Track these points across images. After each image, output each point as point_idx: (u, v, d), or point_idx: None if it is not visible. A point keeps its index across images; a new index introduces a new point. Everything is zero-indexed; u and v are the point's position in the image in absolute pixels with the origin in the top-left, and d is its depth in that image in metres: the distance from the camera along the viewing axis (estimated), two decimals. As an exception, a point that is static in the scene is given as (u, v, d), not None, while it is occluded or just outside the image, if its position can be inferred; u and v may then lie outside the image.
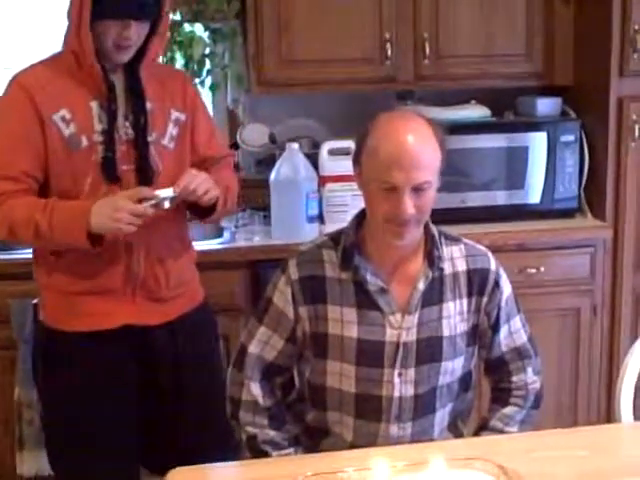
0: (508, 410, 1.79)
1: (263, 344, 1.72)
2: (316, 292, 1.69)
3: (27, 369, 2.60)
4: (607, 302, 2.95)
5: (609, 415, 2.91)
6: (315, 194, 2.82)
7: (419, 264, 1.71)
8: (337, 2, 2.88)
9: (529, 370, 1.79)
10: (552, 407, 2.83)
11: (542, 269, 2.85)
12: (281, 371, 1.76)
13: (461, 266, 1.73)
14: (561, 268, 2.89)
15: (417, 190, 1.60)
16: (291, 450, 1.72)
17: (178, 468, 1.54)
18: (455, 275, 1.72)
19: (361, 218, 1.73)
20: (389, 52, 2.93)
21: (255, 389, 1.72)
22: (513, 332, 1.78)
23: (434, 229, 1.74)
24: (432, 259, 1.70)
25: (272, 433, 1.71)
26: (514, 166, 2.95)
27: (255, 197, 3.10)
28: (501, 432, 1.77)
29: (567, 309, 2.92)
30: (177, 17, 3.04)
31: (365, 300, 1.69)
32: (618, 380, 1.89)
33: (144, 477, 2.73)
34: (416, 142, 1.60)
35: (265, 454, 1.69)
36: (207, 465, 1.59)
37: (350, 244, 1.70)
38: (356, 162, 1.70)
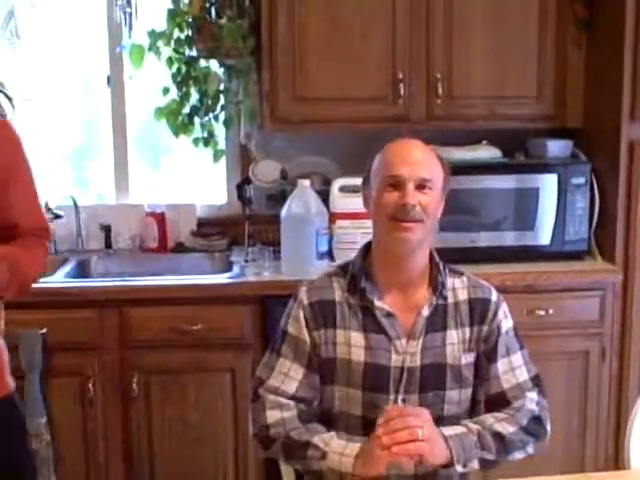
0: (493, 414, 1.72)
1: (283, 376, 1.71)
2: (326, 316, 1.72)
3: (34, 399, 2.61)
4: (616, 346, 2.93)
5: (617, 461, 2.87)
6: (325, 230, 2.84)
7: (424, 290, 1.74)
8: (351, 41, 2.92)
9: (528, 396, 1.74)
10: (559, 451, 2.79)
11: (551, 311, 2.84)
12: (302, 404, 1.71)
13: (462, 295, 1.76)
14: (570, 311, 2.87)
15: (421, 187, 1.68)
16: (332, 433, 1.66)
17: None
18: (457, 304, 1.75)
19: (368, 248, 1.79)
20: (402, 91, 2.95)
21: (278, 402, 1.69)
22: (515, 367, 1.76)
23: (438, 258, 1.78)
24: (436, 285, 1.73)
25: (305, 425, 1.68)
26: (524, 207, 2.96)
27: (265, 232, 3.12)
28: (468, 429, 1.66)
29: (576, 352, 2.90)
30: (193, 53, 3.08)
31: (372, 324, 1.72)
32: (627, 425, 1.88)
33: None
34: (422, 151, 1.74)
35: (306, 448, 1.62)
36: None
37: (358, 270, 1.74)
38: (365, 184, 1.79)
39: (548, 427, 1.74)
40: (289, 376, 1.71)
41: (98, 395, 2.70)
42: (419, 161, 1.70)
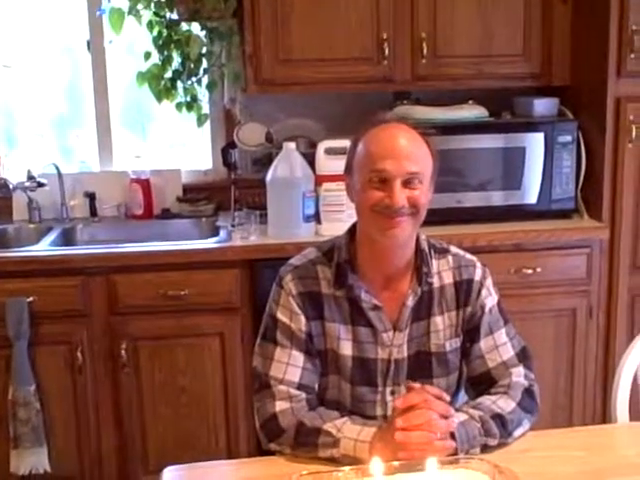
0: (486, 396, 1.67)
1: (284, 365, 1.65)
2: (315, 308, 1.68)
3: (22, 367, 2.61)
4: (603, 303, 2.95)
5: (604, 415, 2.91)
6: (312, 193, 2.82)
7: (409, 280, 1.70)
8: (334, 1, 2.88)
9: (514, 372, 1.70)
10: (548, 407, 2.82)
11: (538, 269, 2.85)
12: (308, 392, 1.66)
13: (448, 279, 1.72)
14: (557, 269, 2.88)
15: (408, 183, 1.59)
16: (345, 418, 1.59)
17: (172, 466, 1.54)
18: (442, 288, 1.71)
19: (353, 233, 1.72)
20: (386, 52, 2.92)
21: (288, 393, 1.64)
22: (499, 345, 1.71)
23: (424, 243, 1.72)
24: (420, 276, 1.69)
25: (317, 410, 1.63)
26: (511, 166, 2.95)
27: (251, 196, 3.10)
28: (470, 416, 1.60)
29: (563, 310, 2.92)
30: (174, 16, 3.03)
31: (359, 317, 1.68)
32: (614, 380, 1.89)
33: (140, 476, 2.75)
34: (408, 139, 1.62)
35: (317, 435, 1.55)
36: (201, 463, 1.58)
37: (343, 261, 1.68)
38: (347, 171, 1.70)
39: (539, 400, 1.71)
40: (290, 364, 1.65)
41: (87, 362, 2.70)
42: (406, 153, 1.59)
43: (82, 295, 2.67)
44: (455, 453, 1.49)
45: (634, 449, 1.63)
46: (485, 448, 1.55)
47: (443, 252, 1.75)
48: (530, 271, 2.85)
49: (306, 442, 1.56)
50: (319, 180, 2.83)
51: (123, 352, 2.68)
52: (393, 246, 1.65)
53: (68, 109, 3.43)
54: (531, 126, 2.97)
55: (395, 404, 1.54)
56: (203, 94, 3.21)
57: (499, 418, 1.59)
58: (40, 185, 3.10)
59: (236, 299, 2.72)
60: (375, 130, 1.65)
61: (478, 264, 1.76)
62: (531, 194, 2.96)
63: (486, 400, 1.65)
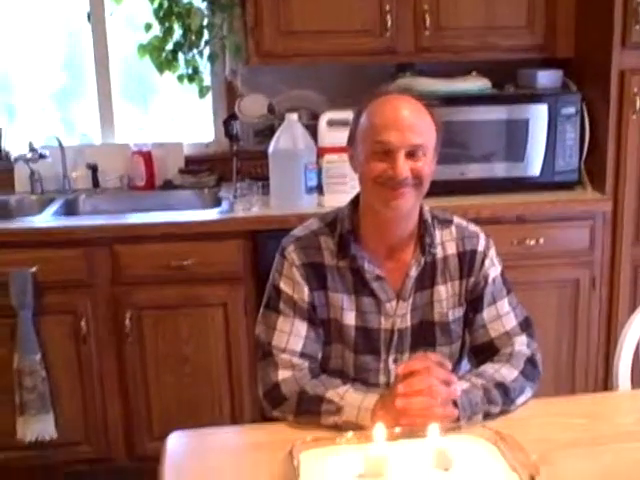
0: (488, 364, 1.68)
1: (287, 335, 1.65)
2: (318, 279, 1.68)
3: (27, 336, 2.63)
4: (606, 274, 2.96)
5: (606, 385, 2.92)
6: (314, 165, 2.82)
7: (412, 250, 1.70)
8: (337, -27, 2.86)
9: (517, 340, 1.70)
10: (550, 377, 2.84)
11: (541, 241, 2.85)
12: (311, 360, 1.67)
13: (451, 249, 1.72)
14: (560, 240, 2.89)
15: (412, 154, 1.59)
16: (348, 386, 1.59)
17: (176, 432, 1.55)
18: (446, 259, 1.72)
19: (356, 203, 1.72)
20: (389, 24, 2.90)
21: (291, 362, 1.64)
22: (502, 315, 1.72)
23: (427, 214, 1.73)
24: (424, 246, 1.69)
25: (319, 378, 1.64)
26: (514, 138, 2.94)
27: (254, 168, 3.10)
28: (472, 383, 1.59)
29: (566, 281, 2.92)
30: (176, -13, 3.01)
31: (362, 287, 1.68)
32: (616, 350, 1.90)
33: (146, 442, 2.78)
34: (412, 111, 1.61)
35: (320, 403, 1.55)
36: (206, 429, 1.60)
37: (346, 232, 1.69)
38: (350, 142, 1.70)
39: (541, 369, 1.71)
40: (293, 334, 1.65)
41: (91, 332, 2.71)
42: (410, 125, 1.58)
43: (85, 266, 2.67)
44: (457, 420, 1.50)
45: (634, 417, 1.64)
46: (487, 416, 1.56)
47: (446, 223, 1.75)
48: (533, 242, 2.85)
49: (309, 410, 1.57)
50: (321, 152, 2.82)
51: (127, 322, 2.70)
52: (396, 217, 1.65)
53: (69, 81, 3.42)
54: (535, 98, 2.95)
55: (397, 371, 1.55)
56: (205, 66, 3.19)
57: (501, 386, 1.60)
58: (42, 157, 3.10)
59: (239, 270, 2.73)
60: (379, 101, 1.64)
61: (481, 235, 1.76)
62: (534, 166, 2.95)
63: (489, 369, 1.65)
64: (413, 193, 1.61)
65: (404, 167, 1.58)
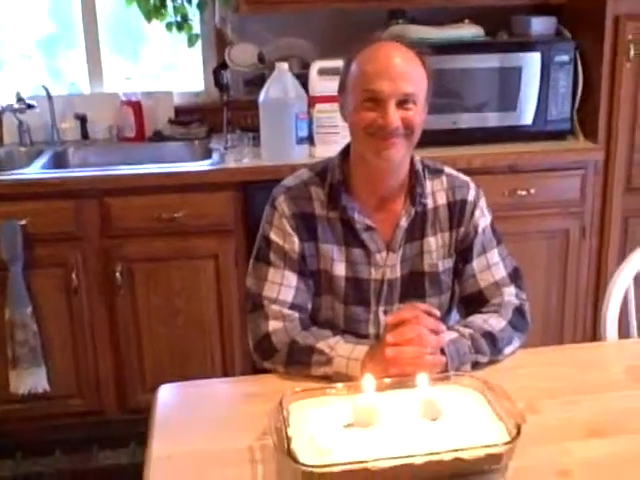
0: (477, 315, 1.68)
1: (278, 286, 1.65)
2: (308, 229, 1.67)
3: (18, 290, 2.63)
4: (596, 224, 2.96)
5: (595, 334, 2.95)
6: (305, 115, 2.79)
7: (402, 201, 1.69)
8: None
9: (506, 291, 1.71)
10: (539, 327, 2.87)
11: (532, 191, 2.85)
12: (301, 311, 1.67)
13: (442, 199, 1.72)
14: (552, 190, 2.88)
15: (403, 103, 1.57)
16: (338, 337, 1.60)
17: (167, 384, 1.56)
18: (436, 209, 1.71)
19: (346, 154, 1.70)
20: (381, -32, 2.85)
21: (281, 312, 1.64)
22: (491, 265, 1.72)
23: (418, 164, 1.71)
24: (414, 196, 1.68)
25: (310, 329, 1.64)
26: (507, 87, 2.91)
27: (244, 118, 3.07)
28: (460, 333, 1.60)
29: (556, 231, 2.93)
30: None
31: (352, 238, 1.68)
32: (604, 300, 1.91)
33: (138, 394, 2.80)
34: (403, 59, 1.58)
35: (311, 353, 1.56)
36: (197, 381, 1.61)
37: (337, 182, 1.68)
38: (341, 91, 1.68)
39: (529, 319, 1.72)
40: (284, 285, 1.65)
41: (82, 285, 2.71)
42: (401, 73, 1.55)
43: (75, 218, 2.66)
44: (446, 370, 1.51)
45: (621, 365, 1.65)
46: (476, 365, 1.57)
47: (437, 173, 1.74)
48: (524, 192, 2.84)
49: (299, 360, 1.58)
50: (312, 101, 2.79)
51: (118, 275, 2.70)
52: (388, 167, 1.64)
53: (56, 29, 3.36)
54: (528, 46, 2.92)
55: (386, 320, 1.55)
56: (194, 13, 3.14)
57: (489, 335, 1.61)
58: (30, 107, 3.06)
59: (230, 221, 2.72)
60: (370, 49, 1.61)
61: (472, 184, 1.76)
62: (527, 115, 2.93)
63: (477, 319, 1.66)
64: (404, 143, 1.60)
65: (395, 116, 1.56)
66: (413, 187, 1.69)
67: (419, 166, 1.71)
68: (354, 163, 1.69)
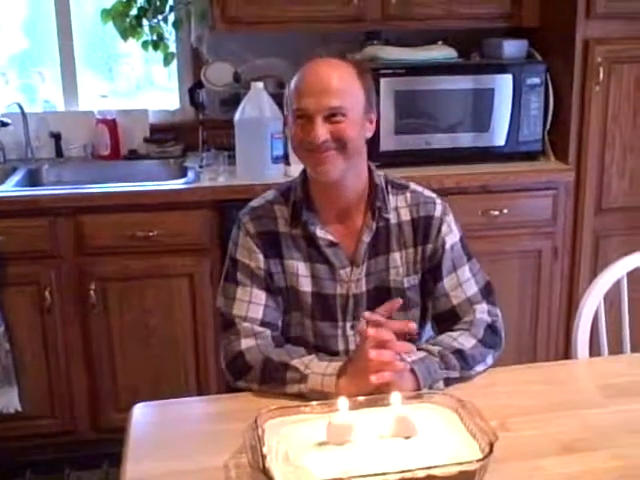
0: (447, 333, 1.68)
1: (247, 304, 1.66)
2: (273, 247, 1.69)
3: (-11, 308, 2.60)
4: (568, 244, 3.00)
5: (567, 354, 2.98)
6: (280, 134, 2.80)
7: (364, 215, 1.70)
8: (304, -63, 2.83)
9: (478, 308, 1.71)
10: (512, 346, 2.88)
11: (505, 211, 2.88)
12: (272, 328, 1.68)
13: (405, 215, 1.72)
14: (524, 210, 2.92)
15: (331, 117, 1.59)
16: (312, 356, 1.60)
17: (141, 403, 1.56)
18: (400, 225, 1.72)
19: (307, 173, 1.72)
20: (356, -9, 2.88)
21: (253, 330, 1.65)
22: (462, 282, 1.72)
23: (380, 178, 1.73)
24: (374, 210, 1.69)
25: (284, 347, 1.65)
26: (479, 108, 2.95)
27: (220, 137, 3.08)
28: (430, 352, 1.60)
29: (529, 251, 2.96)
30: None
31: (316, 255, 1.70)
32: (575, 319, 1.94)
33: (112, 414, 2.77)
34: (330, 73, 1.60)
35: (285, 370, 1.56)
36: (171, 400, 1.60)
37: (299, 200, 1.70)
38: (286, 108, 1.71)
39: (503, 335, 1.73)
40: (252, 302, 1.66)
41: (56, 303, 2.69)
42: (324, 88, 1.57)
43: (49, 236, 2.65)
44: (418, 388, 1.52)
45: (593, 382, 1.68)
46: (448, 381, 1.58)
47: (401, 188, 1.75)
48: (497, 213, 2.88)
49: (274, 377, 1.57)
50: (288, 121, 2.80)
51: (92, 293, 2.68)
52: (332, 182, 1.65)
53: (30, 46, 3.35)
54: (500, 68, 2.97)
55: (367, 332, 1.49)
56: (170, 32, 3.16)
57: (459, 353, 1.61)
58: (4, 125, 3.05)
59: (205, 240, 2.72)
60: (302, 68, 1.64)
61: (438, 200, 1.76)
62: (499, 136, 2.97)
63: (446, 337, 1.67)
64: (338, 156, 1.61)
65: (320, 131, 1.58)
66: (373, 201, 1.70)
67: (380, 180, 1.72)
68: (310, 179, 1.71)
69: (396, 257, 1.72)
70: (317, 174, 1.64)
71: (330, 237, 1.69)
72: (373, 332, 1.48)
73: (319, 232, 1.69)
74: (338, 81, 1.60)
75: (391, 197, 1.73)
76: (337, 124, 1.59)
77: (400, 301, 1.58)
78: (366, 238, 1.70)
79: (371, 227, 1.70)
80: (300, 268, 1.70)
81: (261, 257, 1.68)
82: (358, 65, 1.66)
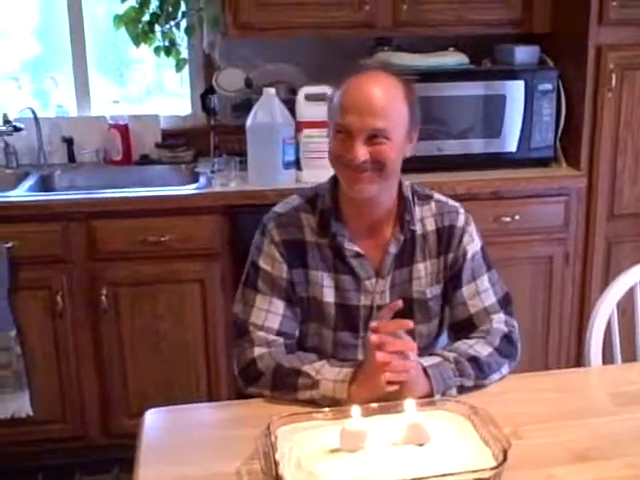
0: (463, 341, 1.68)
1: (265, 312, 1.66)
2: (298, 256, 1.68)
3: (2, 312, 2.61)
4: (580, 250, 2.99)
5: (578, 360, 2.97)
6: (292, 140, 2.81)
7: (392, 227, 1.70)
8: (316, -56, 2.83)
9: (495, 318, 1.71)
10: (524, 353, 2.83)
11: (517, 217, 2.87)
12: (287, 338, 1.67)
13: (430, 225, 1.72)
14: (535, 216, 2.91)
15: (373, 138, 1.57)
16: (324, 361, 1.59)
17: (154, 409, 1.56)
18: (425, 235, 1.72)
19: (336, 180, 1.71)
20: (368, -3, 2.89)
21: (266, 339, 1.65)
22: (481, 292, 1.72)
23: (407, 190, 1.72)
24: (403, 223, 1.69)
25: (296, 353, 1.64)
26: (491, 114, 2.95)
27: (231, 143, 3.08)
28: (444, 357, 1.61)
29: (540, 257, 2.95)
30: (152, -42, 2.97)
31: (342, 265, 1.69)
32: (588, 326, 1.93)
33: (123, 419, 2.78)
34: (377, 90, 1.57)
35: (297, 376, 1.56)
36: (183, 406, 1.60)
37: (327, 209, 1.69)
38: (328, 114, 1.68)
39: (519, 345, 1.73)
40: (271, 312, 1.66)
41: (67, 308, 2.70)
42: (373, 109, 1.55)
43: (62, 241, 2.66)
44: (431, 395, 1.52)
45: (605, 390, 1.67)
46: (462, 389, 1.57)
47: (426, 198, 1.75)
48: (508, 219, 2.87)
49: (285, 384, 1.57)
50: (299, 126, 2.81)
51: (103, 298, 2.69)
52: (365, 199, 1.65)
53: (43, 51, 3.37)
54: (511, 74, 2.96)
55: (370, 339, 1.49)
56: (182, 38, 3.17)
57: (474, 360, 1.61)
58: (17, 130, 3.06)
59: (216, 245, 2.72)
60: (350, 80, 1.61)
61: (461, 210, 1.76)
62: (511, 142, 2.97)
63: (462, 344, 1.66)
64: (375, 178, 1.60)
65: (360, 151, 1.56)
66: (402, 214, 1.70)
67: (408, 192, 1.72)
68: (342, 191, 1.70)
69: (420, 268, 1.72)
70: (352, 191, 1.63)
71: (357, 248, 1.68)
72: (375, 338, 1.48)
73: (347, 243, 1.68)
74: (383, 99, 1.57)
75: (417, 208, 1.72)
76: (378, 145, 1.57)
77: (400, 303, 1.56)
78: (393, 250, 1.69)
79: (399, 239, 1.69)
80: (324, 279, 1.69)
81: (285, 267, 1.68)
82: (404, 80, 1.63)
